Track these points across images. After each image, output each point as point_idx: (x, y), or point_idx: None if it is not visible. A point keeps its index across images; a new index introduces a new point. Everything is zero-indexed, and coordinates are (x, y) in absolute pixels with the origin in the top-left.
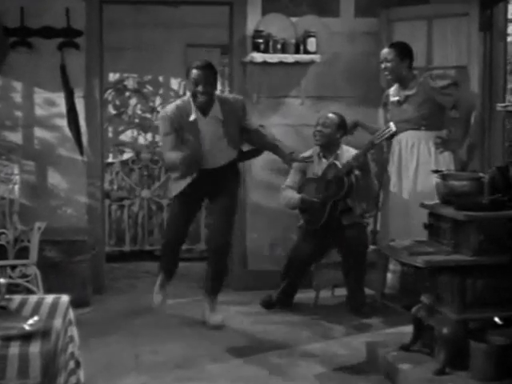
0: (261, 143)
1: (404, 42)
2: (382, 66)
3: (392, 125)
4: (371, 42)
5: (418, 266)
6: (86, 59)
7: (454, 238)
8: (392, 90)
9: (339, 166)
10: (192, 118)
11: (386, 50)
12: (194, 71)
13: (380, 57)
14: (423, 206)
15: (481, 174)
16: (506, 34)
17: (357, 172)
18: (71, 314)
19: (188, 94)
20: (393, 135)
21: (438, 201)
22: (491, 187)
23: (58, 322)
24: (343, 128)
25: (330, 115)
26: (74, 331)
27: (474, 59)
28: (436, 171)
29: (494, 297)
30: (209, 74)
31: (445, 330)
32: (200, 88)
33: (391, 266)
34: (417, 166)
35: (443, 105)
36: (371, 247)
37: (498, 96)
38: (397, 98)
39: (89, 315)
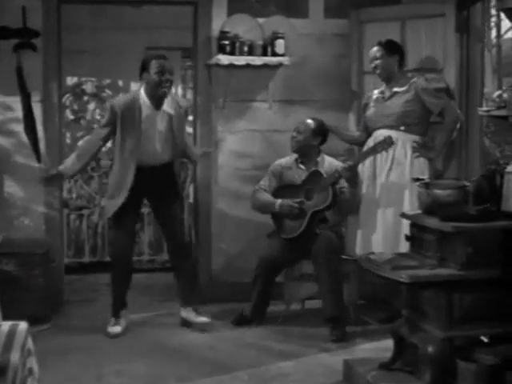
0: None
1: (392, 39)
2: (372, 65)
3: (392, 137)
4: (341, 44)
5: (401, 281)
6: (44, 61)
7: (439, 250)
8: (376, 90)
9: (324, 175)
10: (144, 113)
11: (374, 49)
12: (156, 61)
13: (369, 56)
14: (404, 216)
15: (465, 183)
16: (483, 36)
17: (345, 184)
18: (30, 344)
19: (141, 87)
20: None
21: (418, 210)
22: (477, 196)
23: (15, 356)
24: (321, 134)
25: (307, 121)
26: (33, 363)
27: (450, 62)
28: (417, 179)
29: (483, 313)
30: (169, 63)
31: (430, 349)
32: (166, 76)
33: (363, 277)
34: (390, 168)
35: (430, 109)
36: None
37: (475, 100)
38: (382, 95)
39: (48, 332)
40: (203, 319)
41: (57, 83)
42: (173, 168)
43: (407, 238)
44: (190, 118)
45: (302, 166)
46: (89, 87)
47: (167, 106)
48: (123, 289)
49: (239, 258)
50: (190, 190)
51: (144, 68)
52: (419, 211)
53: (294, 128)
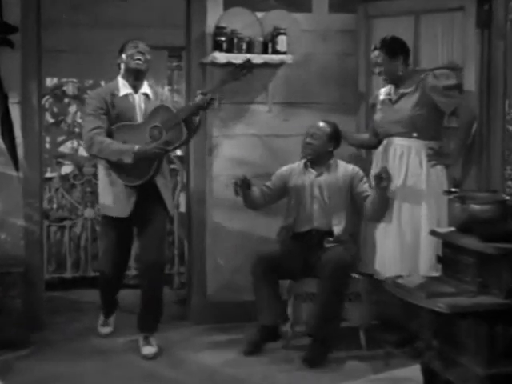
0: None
1: (393, 36)
2: (376, 70)
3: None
4: (347, 40)
5: (438, 311)
6: (22, 60)
7: (480, 275)
8: (383, 89)
9: (173, 110)
10: (122, 92)
11: (374, 53)
12: (131, 42)
13: (370, 60)
14: (434, 233)
15: (505, 196)
16: (506, 32)
17: (368, 189)
18: None
19: (118, 77)
20: None
21: (451, 228)
22: None
23: None
24: (336, 139)
25: (321, 124)
26: None
27: (470, 59)
28: (450, 192)
29: None
30: (145, 45)
31: None
32: (140, 50)
33: (375, 296)
34: (405, 179)
35: (442, 109)
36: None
37: (496, 102)
38: (388, 97)
39: (27, 359)
40: (147, 350)
41: (36, 83)
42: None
43: (439, 259)
44: None
45: (312, 170)
46: (70, 88)
47: (145, 87)
48: (114, 292)
49: (237, 275)
50: (181, 198)
51: (121, 51)
52: (452, 228)
53: (306, 132)
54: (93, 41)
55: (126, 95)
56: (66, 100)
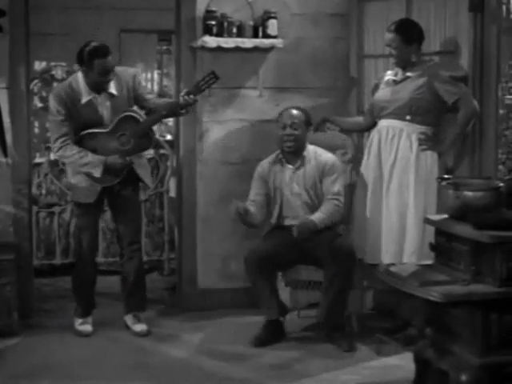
0: (158, 106)
1: (410, 20)
2: (388, 49)
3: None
4: (339, 24)
5: (432, 300)
6: (10, 44)
7: (474, 263)
8: (390, 71)
9: (140, 118)
10: (85, 99)
11: (390, 36)
12: (102, 61)
13: (384, 39)
14: (428, 221)
15: (498, 183)
16: (499, 16)
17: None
18: None
19: (79, 74)
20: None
21: (443, 215)
22: (510, 199)
23: None
24: (310, 124)
25: (296, 112)
26: None
27: (463, 44)
28: (443, 178)
29: None
30: (111, 60)
31: (464, 377)
32: (109, 77)
33: (367, 283)
34: (394, 162)
35: (444, 98)
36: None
37: (489, 87)
38: (393, 78)
39: (16, 349)
40: (140, 328)
41: (24, 68)
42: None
43: (432, 247)
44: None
45: (288, 166)
46: (58, 72)
47: (110, 86)
48: (89, 295)
49: (227, 262)
50: (171, 183)
51: (83, 62)
52: (445, 216)
53: (282, 124)
54: (82, 24)
55: (89, 101)
56: (55, 84)
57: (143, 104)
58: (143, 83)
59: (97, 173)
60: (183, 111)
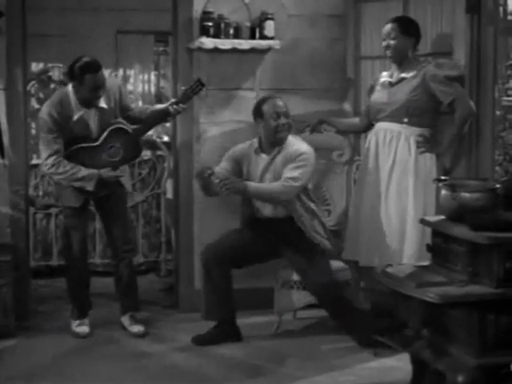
0: (146, 115)
1: (409, 17)
2: (384, 43)
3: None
4: (336, 25)
5: (428, 301)
6: (7, 45)
7: (471, 264)
8: (385, 73)
9: (129, 129)
10: (76, 115)
11: (388, 26)
12: (92, 76)
13: (382, 33)
14: (424, 222)
15: (495, 184)
16: (496, 17)
17: None
18: None
19: (69, 88)
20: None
21: (441, 216)
22: (507, 200)
23: None
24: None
25: (280, 102)
26: None
27: (459, 45)
28: (440, 179)
29: None
30: (102, 74)
31: (460, 378)
32: (99, 93)
33: (363, 284)
34: (393, 165)
35: (440, 99)
36: (341, 264)
37: (486, 88)
38: (389, 79)
39: (14, 350)
40: (137, 329)
41: (21, 69)
42: None
43: (429, 248)
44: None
45: (263, 155)
46: (55, 74)
47: (98, 101)
48: (84, 296)
49: None
50: (168, 185)
51: (74, 77)
52: (442, 217)
53: (275, 114)
54: (79, 25)
55: (81, 116)
56: (52, 85)
57: (128, 114)
58: (127, 93)
59: (90, 187)
60: (171, 119)
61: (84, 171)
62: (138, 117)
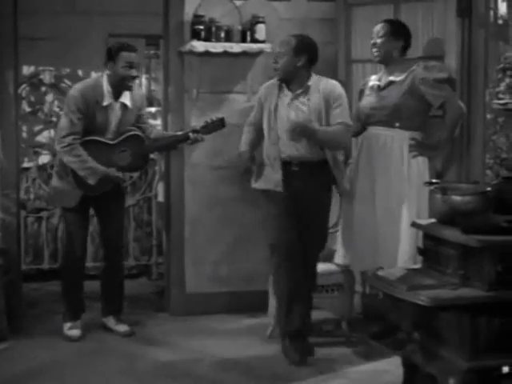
0: (160, 136)
1: (402, 21)
2: (372, 41)
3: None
4: (327, 29)
5: (420, 304)
6: None
7: (462, 267)
8: (374, 76)
9: (145, 140)
10: (106, 102)
11: (379, 25)
12: (127, 54)
13: (372, 33)
14: (415, 225)
15: (486, 187)
16: (487, 21)
17: None
18: None
19: (104, 75)
20: None
21: (433, 219)
22: (498, 203)
23: None
24: (306, 52)
25: (285, 39)
26: None
27: (451, 48)
28: (430, 183)
29: None
30: (137, 57)
31: (452, 381)
32: (133, 72)
33: (357, 288)
34: (386, 170)
35: (429, 102)
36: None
37: (477, 91)
38: (378, 83)
39: (5, 355)
40: (123, 328)
41: (13, 72)
42: None
43: (420, 251)
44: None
45: (287, 92)
46: (47, 77)
47: (125, 96)
48: (78, 299)
49: (216, 266)
50: (159, 188)
51: (110, 57)
52: (433, 220)
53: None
54: (70, 29)
55: (107, 105)
56: (43, 89)
57: (140, 126)
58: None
59: (92, 180)
60: (180, 145)
61: (92, 163)
62: (148, 134)
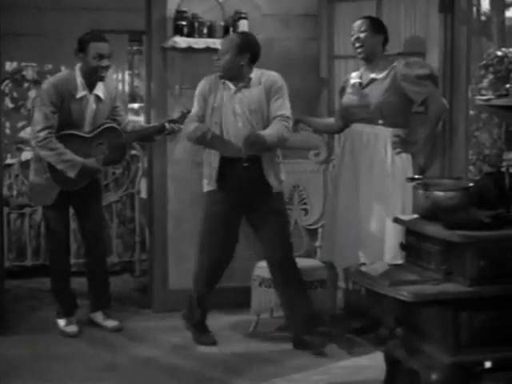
0: (137, 127)
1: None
2: (353, 37)
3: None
4: (309, 25)
5: (402, 300)
6: None
7: (444, 263)
8: (355, 73)
9: (121, 132)
10: (80, 94)
11: (358, 22)
12: (98, 44)
13: (351, 30)
14: (397, 221)
15: (468, 183)
16: (469, 17)
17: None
18: None
19: (77, 68)
20: None
21: (415, 215)
22: (481, 199)
23: None
24: (249, 50)
25: (228, 37)
26: None
27: (433, 44)
28: (413, 179)
29: (496, 334)
30: (109, 47)
31: (434, 376)
32: (104, 62)
33: (340, 284)
34: (370, 167)
35: (411, 98)
36: (317, 262)
37: (459, 87)
38: (359, 81)
39: None
40: (112, 324)
41: None
42: None
43: (403, 246)
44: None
45: (230, 85)
46: (29, 73)
47: (98, 88)
48: (69, 295)
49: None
50: (142, 184)
51: (81, 48)
52: (415, 216)
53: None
54: (53, 25)
55: (82, 97)
56: (26, 85)
57: (116, 118)
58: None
59: (72, 173)
60: (158, 137)
61: (70, 155)
62: (124, 127)
